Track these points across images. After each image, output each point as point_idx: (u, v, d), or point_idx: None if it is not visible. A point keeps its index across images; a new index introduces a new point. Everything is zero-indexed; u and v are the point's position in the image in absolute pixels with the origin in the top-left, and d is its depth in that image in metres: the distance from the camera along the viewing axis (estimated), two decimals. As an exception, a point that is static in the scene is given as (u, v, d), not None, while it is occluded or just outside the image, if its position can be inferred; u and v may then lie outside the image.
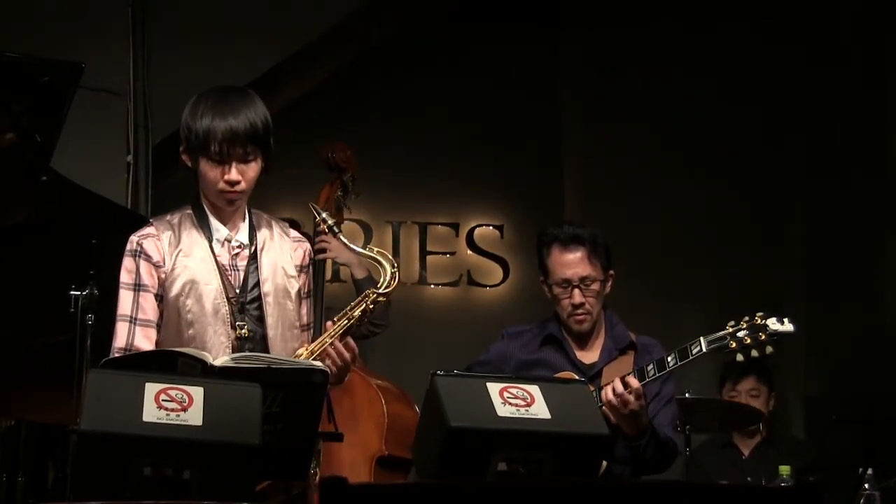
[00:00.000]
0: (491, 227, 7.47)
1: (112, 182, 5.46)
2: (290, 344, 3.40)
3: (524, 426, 2.64)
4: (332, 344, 3.35)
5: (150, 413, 2.47)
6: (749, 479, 5.17)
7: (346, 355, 3.37)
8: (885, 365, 6.29)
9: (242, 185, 3.34)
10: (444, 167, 7.33)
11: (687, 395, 4.69)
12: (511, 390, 2.69)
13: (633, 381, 3.90)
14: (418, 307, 7.13)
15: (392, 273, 3.40)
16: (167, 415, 2.47)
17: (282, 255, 3.46)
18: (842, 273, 6.81)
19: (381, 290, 3.39)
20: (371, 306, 3.40)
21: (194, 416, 2.49)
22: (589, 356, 4.19)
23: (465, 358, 4.38)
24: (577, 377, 3.97)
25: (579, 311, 4.15)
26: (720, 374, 5.84)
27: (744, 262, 7.20)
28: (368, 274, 4.48)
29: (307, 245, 3.55)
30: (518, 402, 2.67)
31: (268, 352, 3.31)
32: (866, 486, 4.12)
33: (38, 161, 3.82)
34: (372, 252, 3.50)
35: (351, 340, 3.39)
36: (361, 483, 3.05)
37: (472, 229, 7.44)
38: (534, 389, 2.70)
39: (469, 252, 7.43)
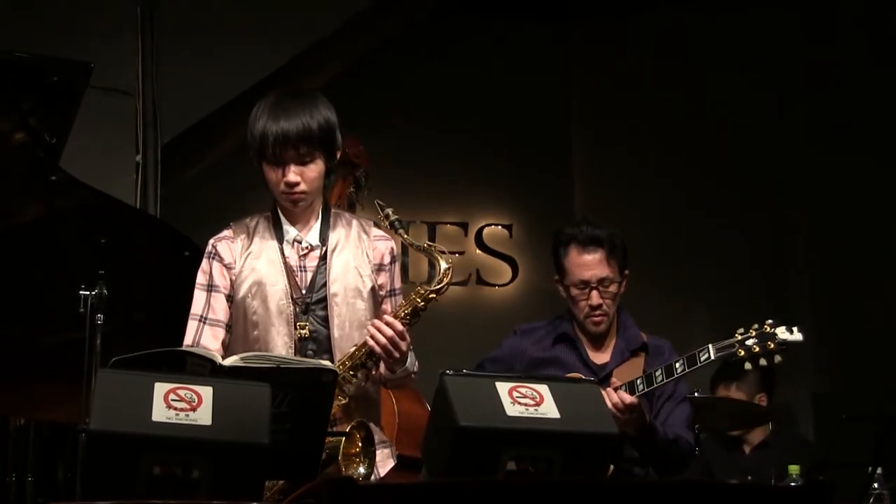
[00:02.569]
0: (500, 227, 7.47)
1: (121, 181, 5.46)
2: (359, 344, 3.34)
3: (533, 425, 2.63)
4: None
5: (160, 413, 2.47)
6: (753, 476, 5.15)
7: (402, 345, 3.29)
8: (894, 361, 6.27)
9: (303, 186, 3.35)
10: (454, 166, 7.33)
11: (696, 394, 4.68)
12: (520, 390, 2.68)
13: (626, 397, 3.89)
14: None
15: (445, 270, 3.35)
16: (176, 414, 2.47)
17: (356, 254, 3.44)
18: (849, 268, 6.79)
19: (433, 287, 3.35)
20: (422, 304, 3.35)
21: (203, 416, 2.49)
22: (601, 357, 4.18)
23: (474, 357, 4.38)
24: (587, 378, 3.96)
25: (597, 312, 4.13)
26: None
27: (751, 259, 7.19)
28: None
29: (389, 243, 3.50)
30: (527, 401, 2.66)
31: (333, 352, 3.32)
32: (875, 485, 4.11)
33: (47, 160, 3.82)
34: (429, 248, 3.45)
35: (397, 324, 3.29)
36: (370, 482, 3.05)
37: (481, 228, 7.44)
38: (543, 389, 2.70)
39: (478, 251, 7.43)
